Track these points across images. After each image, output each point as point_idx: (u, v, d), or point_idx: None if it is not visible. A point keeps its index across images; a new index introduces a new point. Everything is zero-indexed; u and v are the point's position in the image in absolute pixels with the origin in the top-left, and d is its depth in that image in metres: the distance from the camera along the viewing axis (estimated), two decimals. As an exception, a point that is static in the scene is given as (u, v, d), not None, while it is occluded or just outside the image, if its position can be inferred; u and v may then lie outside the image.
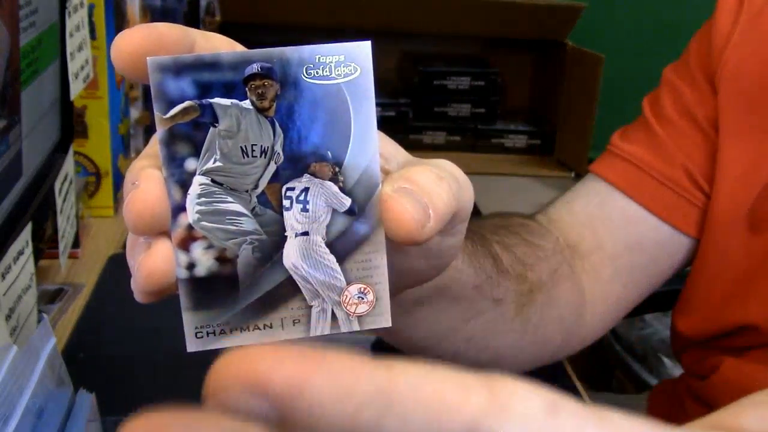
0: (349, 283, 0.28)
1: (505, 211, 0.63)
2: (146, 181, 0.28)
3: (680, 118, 0.63)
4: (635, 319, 1.40)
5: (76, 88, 0.66)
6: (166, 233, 0.28)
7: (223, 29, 1.20)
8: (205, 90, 0.26)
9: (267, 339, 0.28)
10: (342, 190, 0.27)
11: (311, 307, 0.28)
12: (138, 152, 1.14)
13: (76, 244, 0.80)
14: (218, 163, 0.27)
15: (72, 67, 0.64)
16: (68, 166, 0.66)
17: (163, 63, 0.26)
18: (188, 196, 0.27)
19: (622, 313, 0.65)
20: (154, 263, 0.29)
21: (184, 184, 0.27)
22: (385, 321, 0.28)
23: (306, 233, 0.27)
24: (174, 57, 0.26)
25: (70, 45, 0.63)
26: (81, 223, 0.82)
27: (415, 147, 1.20)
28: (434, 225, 0.29)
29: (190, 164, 0.27)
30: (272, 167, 0.27)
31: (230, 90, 0.26)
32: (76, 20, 0.65)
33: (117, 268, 0.81)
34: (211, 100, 0.26)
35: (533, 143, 1.30)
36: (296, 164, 0.27)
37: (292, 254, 0.28)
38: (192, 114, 0.26)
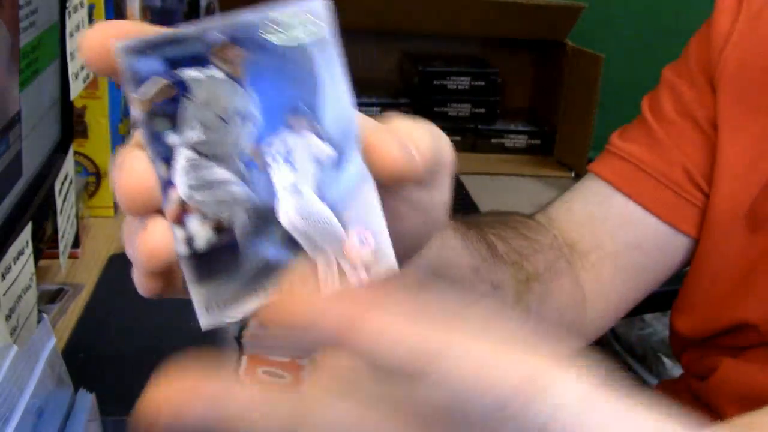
0: (347, 231, 0.27)
1: (503, 210, 0.64)
2: (131, 160, 0.27)
3: (680, 118, 0.63)
4: (635, 319, 1.39)
5: (76, 88, 0.66)
6: (159, 212, 0.28)
7: (223, 29, 1.20)
8: (174, 65, 0.26)
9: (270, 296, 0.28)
10: (322, 139, 0.27)
11: (316, 263, 0.27)
12: (138, 152, 1.14)
13: (76, 244, 0.80)
14: (199, 134, 0.27)
15: (72, 67, 0.64)
16: (68, 166, 0.66)
17: (130, 45, 0.26)
18: (175, 171, 0.27)
19: (622, 312, 0.66)
20: (153, 240, 0.28)
21: (170, 160, 0.27)
22: (390, 263, 0.28)
23: (296, 189, 0.27)
24: (139, 38, 0.26)
25: (70, 45, 0.63)
26: (81, 223, 0.82)
27: (415, 147, 1.19)
28: (420, 160, 0.29)
29: (172, 139, 0.27)
30: (251, 129, 0.27)
31: (198, 61, 0.26)
32: (76, 20, 0.65)
33: (117, 268, 0.81)
34: (182, 74, 0.26)
35: (533, 143, 1.30)
36: (274, 122, 0.27)
37: (287, 212, 0.27)
38: (165, 90, 0.26)
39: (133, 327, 0.69)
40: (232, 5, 1.19)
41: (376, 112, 1.22)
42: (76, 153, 0.85)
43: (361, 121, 0.28)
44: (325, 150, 0.27)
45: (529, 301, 0.57)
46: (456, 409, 0.23)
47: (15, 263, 0.48)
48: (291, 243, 0.27)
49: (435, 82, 1.26)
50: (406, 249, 0.36)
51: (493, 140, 1.30)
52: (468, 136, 1.29)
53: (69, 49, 0.63)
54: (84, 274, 0.79)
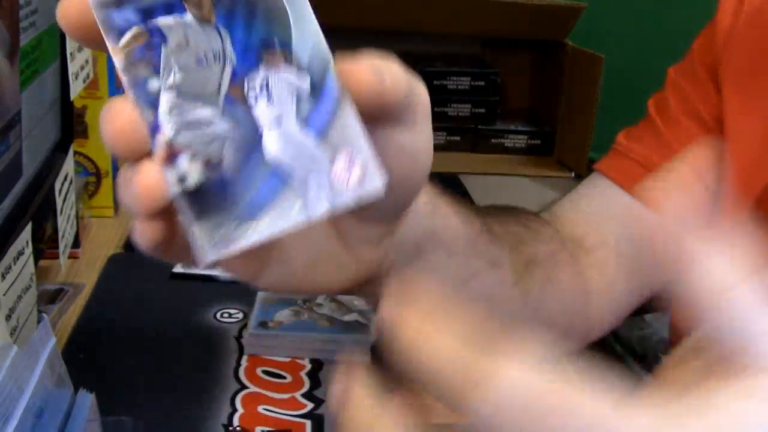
0: (332, 156, 0.28)
1: (503, 204, 0.63)
2: (116, 105, 0.29)
3: (685, 118, 0.64)
4: (635, 319, 1.40)
5: (76, 88, 0.66)
6: (149, 155, 0.29)
7: (223, 29, 1.20)
8: (147, 14, 0.28)
9: (276, 230, 0.28)
10: (298, 71, 0.29)
11: (304, 189, 0.28)
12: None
13: (76, 244, 0.81)
14: (179, 77, 0.28)
15: (72, 67, 0.64)
16: (68, 166, 0.66)
17: (103, 3, 0.28)
18: (160, 114, 0.28)
19: (627, 308, 0.66)
20: (146, 179, 0.29)
21: (153, 104, 0.28)
22: (378, 181, 0.29)
23: (278, 121, 0.28)
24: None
25: (70, 45, 0.63)
26: (81, 223, 0.82)
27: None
28: (392, 82, 0.31)
29: (154, 84, 0.28)
30: (228, 69, 0.28)
31: (170, 9, 0.28)
32: (76, 20, 0.65)
33: (117, 268, 0.81)
34: (156, 22, 0.28)
35: (533, 143, 1.30)
36: (250, 60, 0.28)
37: (272, 146, 0.28)
38: (142, 38, 0.28)
39: (133, 327, 0.69)
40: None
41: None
42: (76, 153, 0.85)
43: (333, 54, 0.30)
44: (303, 81, 0.28)
45: (529, 286, 0.57)
46: None
47: (15, 263, 0.48)
48: (279, 174, 0.28)
49: (435, 82, 1.26)
50: (397, 200, 0.37)
51: (493, 140, 1.29)
52: (468, 136, 1.29)
53: (69, 49, 0.63)
54: (84, 274, 0.79)
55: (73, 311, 0.71)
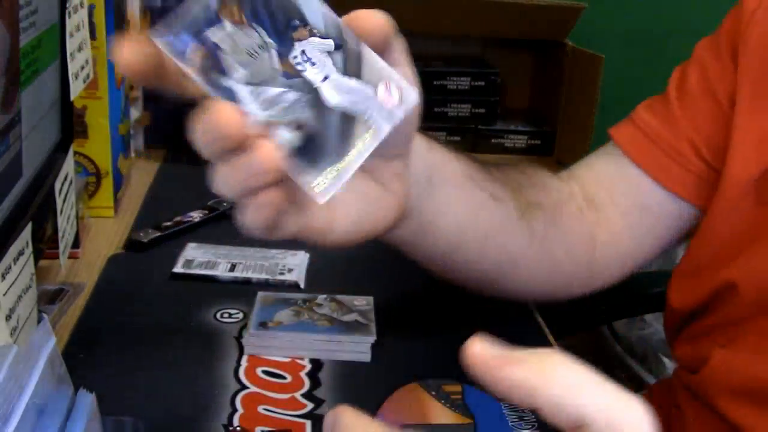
0: (374, 89, 0.37)
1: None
2: (215, 104, 0.35)
3: (700, 92, 0.65)
4: (635, 319, 1.40)
5: (76, 89, 0.66)
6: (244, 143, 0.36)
7: (223, 29, 1.20)
8: (198, 32, 0.35)
9: (363, 156, 0.36)
10: (321, 37, 0.36)
11: (368, 119, 0.36)
12: (138, 152, 1.14)
13: (76, 244, 0.81)
14: (242, 72, 0.35)
15: (72, 67, 0.64)
16: (68, 166, 0.66)
17: (162, 36, 0.35)
18: (244, 103, 0.36)
19: (631, 265, 0.70)
20: (266, 149, 0.36)
21: (234, 97, 0.35)
22: (413, 94, 0.38)
23: (326, 77, 0.36)
24: (165, 27, 0.35)
25: (70, 45, 0.63)
26: (81, 223, 0.82)
27: (415, 147, 1.19)
28: (384, 17, 0.40)
29: (227, 82, 0.35)
30: (273, 53, 0.36)
31: (212, 23, 0.35)
32: (76, 20, 0.65)
33: (117, 268, 0.81)
34: (206, 36, 0.35)
35: (533, 143, 1.30)
36: (284, 41, 0.36)
37: (331, 97, 0.36)
38: (200, 52, 0.35)
39: (133, 327, 0.69)
40: (232, 5, 1.16)
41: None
42: (76, 153, 0.85)
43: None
44: (328, 42, 0.36)
45: (533, 223, 0.62)
46: None
47: (15, 263, 0.48)
48: (345, 116, 0.36)
49: (435, 82, 1.26)
50: (401, 133, 0.44)
51: (493, 140, 1.30)
52: (468, 136, 1.29)
53: (69, 49, 0.63)
54: (84, 274, 0.79)
55: (73, 311, 0.71)
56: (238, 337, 0.68)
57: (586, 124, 1.18)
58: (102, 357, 0.64)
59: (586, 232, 0.67)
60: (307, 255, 0.82)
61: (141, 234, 0.86)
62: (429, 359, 0.67)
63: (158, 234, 0.86)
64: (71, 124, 0.68)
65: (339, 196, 0.38)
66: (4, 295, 0.45)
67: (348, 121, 0.36)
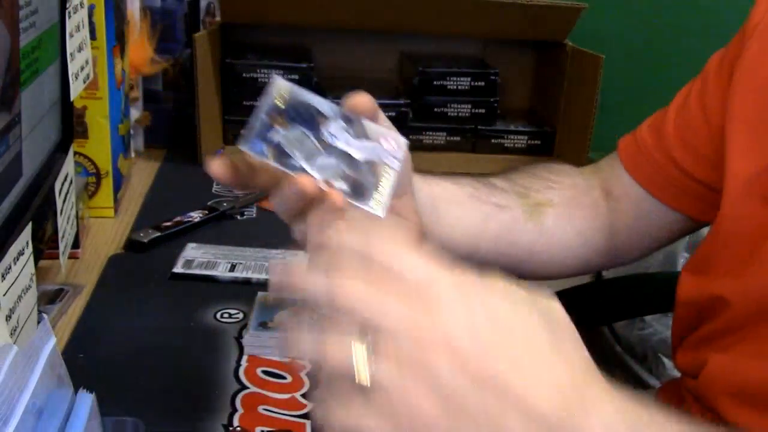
0: (379, 143, 0.51)
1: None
2: (293, 177, 0.49)
3: (696, 105, 0.69)
4: (635, 319, 1.39)
5: (76, 89, 0.66)
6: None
7: (223, 29, 1.20)
8: (264, 137, 0.49)
9: (390, 185, 0.50)
10: (335, 119, 0.51)
11: (385, 161, 0.50)
12: (138, 152, 1.14)
13: (76, 244, 0.81)
14: (299, 154, 0.49)
15: (72, 67, 0.64)
16: (68, 166, 0.66)
17: (245, 145, 0.49)
18: (311, 172, 0.49)
19: (652, 247, 0.76)
20: (335, 198, 0.49)
21: (302, 171, 0.49)
22: (403, 140, 0.52)
23: (349, 143, 0.50)
24: (243, 140, 0.49)
25: (70, 45, 0.63)
26: (81, 224, 0.82)
27: (414, 147, 1.19)
28: (370, 101, 0.53)
29: (295, 162, 0.49)
30: (312, 138, 0.50)
31: (270, 129, 0.50)
32: (77, 21, 0.65)
33: (117, 268, 0.81)
34: (272, 138, 0.49)
35: (533, 143, 1.30)
36: (315, 128, 0.51)
37: (356, 154, 0.50)
38: (272, 149, 0.49)
39: (133, 327, 0.69)
40: (232, 6, 1.19)
41: (376, 113, 1.22)
42: (76, 153, 0.85)
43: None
44: (338, 121, 0.50)
45: (542, 221, 0.69)
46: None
47: (15, 263, 0.48)
48: (369, 164, 0.50)
49: (435, 83, 1.26)
50: (403, 176, 0.54)
51: (493, 140, 1.29)
52: (468, 137, 1.29)
53: (69, 49, 0.63)
54: (84, 274, 0.79)
55: (73, 311, 0.71)
56: (238, 337, 0.68)
57: (586, 124, 1.18)
58: (102, 357, 0.64)
59: (601, 221, 0.73)
60: (307, 255, 0.82)
61: (141, 234, 0.86)
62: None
63: (158, 234, 0.86)
64: (71, 124, 0.68)
65: None
66: (4, 295, 0.45)
67: (373, 166, 0.50)
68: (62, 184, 0.64)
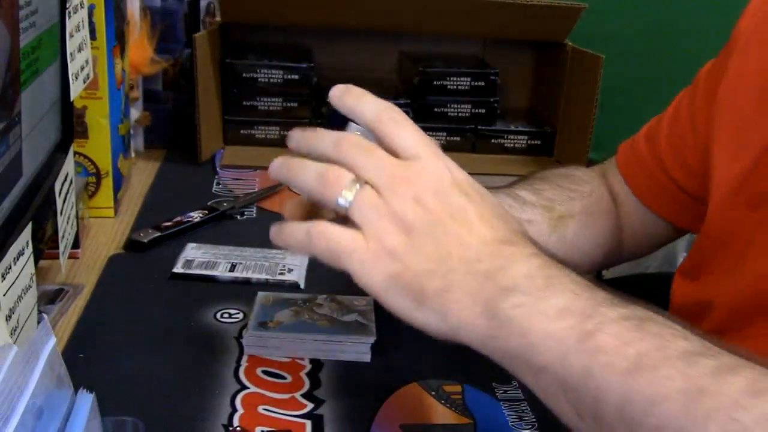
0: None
1: (565, 166, 0.82)
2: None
3: (686, 114, 0.70)
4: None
5: (76, 89, 0.66)
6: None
7: (223, 29, 1.20)
8: None
9: None
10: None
11: None
12: (138, 152, 1.14)
13: (76, 244, 0.81)
14: None
15: (72, 67, 0.64)
16: (68, 166, 0.66)
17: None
18: None
19: (658, 244, 0.79)
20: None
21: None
22: None
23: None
24: None
25: (70, 45, 0.63)
26: (81, 224, 0.82)
27: (415, 147, 1.18)
28: None
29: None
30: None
31: None
32: (77, 21, 0.65)
33: (117, 268, 0.81)
34: None
35: (533, 143, 1.30)
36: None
37: None
38: None
39: (133, 327, 0.69)
40: (232, 6, 1.19)
41: (376, 113, 1.22)
42: (76, 153, 0.85)
43: None
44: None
45: (564, 233, 0.73)
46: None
47: (15, 263, 0.48)
48: None
49: (435, 83, 1.26)
50: None
51: (493, 140, 1.30)
52: (468, 137, 1.29)
53: (69, 49, 0.63)
54: (84, 274, 0.79)
55: (73, 311, 0.71)
56: (238, 337, 0.68)
57: (586, 124, 1.18)
58: (102, 357, 0.64)
59: (612, 225, 0.77)
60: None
61: (141, 234, 0.86)
62: (429, 359, 0.67)
63: (158, 234, 0.86)
64: (71, 124, 0.68)
65: None
66: (4, 295, 0.45)
67: None
68: (62, 184, 0.64)
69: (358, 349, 0.66)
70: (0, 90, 0.46)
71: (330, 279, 0.79)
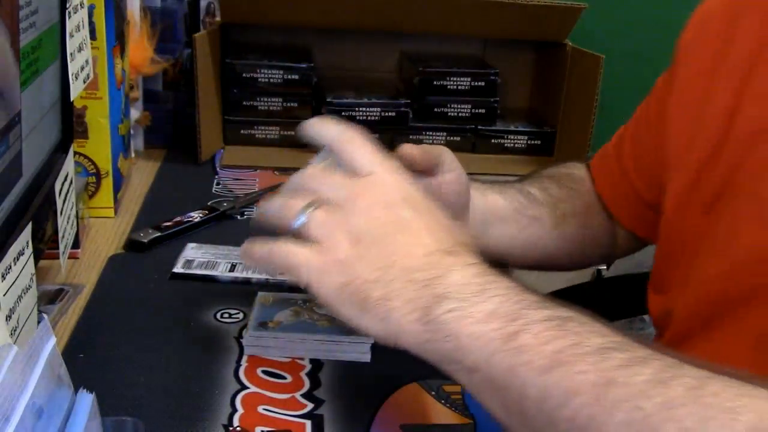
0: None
1: (566, 163, 0.86)
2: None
3: (645, 122, 0.74)
4: (635, 319, 1.39)
5: (76, 89, 0.66)
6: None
7: (223, 29, 1.20)
8: None
9: None
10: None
11: None
12: (138, 152, 1.14)
13: (76, 244, 0.81)
14: None
15: (72, 67, 0.64)
16: (68, 166, 0.66)
17: None
18: None
19: (640, 245, 0.81)
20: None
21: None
22: None
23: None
24: None
25: (71, 45, 0.63)
26: (81, 224, 0.82)
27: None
28: (425, 151, 0.67)
29: None
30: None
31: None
32: (77, 21, 0.65)
33: (117, 268, 0.81)
34: None
35: (533, 143, 1.30)
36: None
37: None
38: None
39: (133, 327, 0.69)
40: (232, 6, 1.19)
41: (376, 112, 1.22)
42: (76, 153, 0.85)
43: None
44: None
45: (566, 230, 0.77)
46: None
47: (15, 263, 0.48)
48: None
49: (435, 82, 1.26)
50: (461, 201, 0.69)
51: (493, 141, 1.30)
52: (468, 137, 1.29)
53: (69, 49, 0.63)
54: (84, 274, 0.79)
55: (73, 311, 0.71)
56: (238, 337, 0.68)
57: (586, 124, 1.18)
58: (102, 357, 0.64)
59: (609, 226, 0.79)
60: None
61: (141, 234, 0.86)
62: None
63: (158, 234, 0.86)
64: (71, 124, 0.68)
65: None
66: (4, 295, 0.45)
67: None
68: (62, 184, 0.64)
69: (358, 349, 0.66)
70: (0, 90, 0.46)
71: (330, 279, 0.79)
